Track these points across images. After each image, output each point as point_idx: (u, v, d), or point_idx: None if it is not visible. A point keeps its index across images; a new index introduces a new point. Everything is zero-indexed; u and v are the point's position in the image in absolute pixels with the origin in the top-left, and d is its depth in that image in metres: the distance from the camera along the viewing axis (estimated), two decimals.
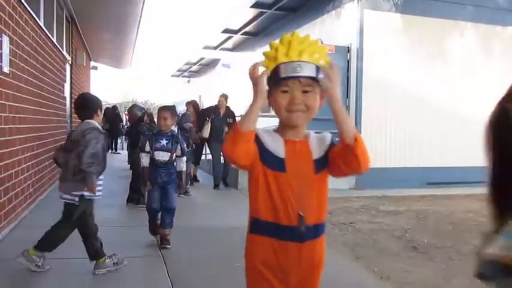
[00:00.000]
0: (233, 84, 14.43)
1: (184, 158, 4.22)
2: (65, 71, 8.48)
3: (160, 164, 4.05)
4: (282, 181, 1.47)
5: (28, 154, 5.24)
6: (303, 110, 1.46)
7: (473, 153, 9.64)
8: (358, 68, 8.24)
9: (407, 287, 3.38)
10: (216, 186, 7.69)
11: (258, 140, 1.47)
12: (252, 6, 10.31)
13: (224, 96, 8.04)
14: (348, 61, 8.41)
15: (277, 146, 1.49)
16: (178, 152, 4.14)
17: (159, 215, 4.18)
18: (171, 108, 4.25)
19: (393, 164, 8.16)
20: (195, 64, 19.98)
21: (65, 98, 8.36)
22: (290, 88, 1.44)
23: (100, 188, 3.28)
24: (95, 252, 3.31)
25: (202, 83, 21.10)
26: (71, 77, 9.29)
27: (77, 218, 3.27)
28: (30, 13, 5.34)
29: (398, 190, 7.59)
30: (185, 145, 4.29)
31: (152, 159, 4.08)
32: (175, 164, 4.18)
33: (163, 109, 4.19)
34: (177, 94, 25.78)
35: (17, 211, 4.78)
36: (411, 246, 4.45)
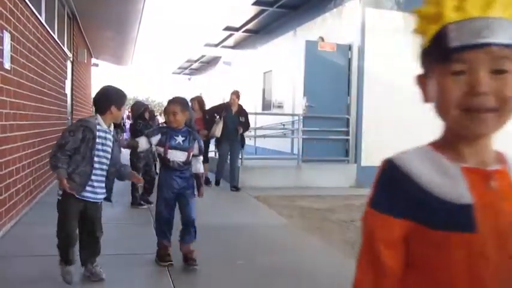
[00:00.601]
0: (234, 82, 14.42)
1: (201, 158, 3.59)
2: (66, 68, 8.48)
3: (175, 166, 3.40)
4: (467, 251, 0.76)
5: (29, 151, 5.25)
6: (493, 107, 0.76)
7: None
8: (360, 67, 8.23)
9: None
10: (217, 182, 7.66)
11: (406, 180, 0.81)
12: (253, 4, 10.29)
13: (236, 94, 7.54)
14: (349, 59, 8.40)
15: (451, 182, 0.79)
16: (196, 151, 3.46)
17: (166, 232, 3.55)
18: (180, 101, 3.52)
19: None
20: (196, 61, 19.97)
21: (65, 95, 8.36)
22: (470, 66, 0.76)
23: (86, 188, 2.95)
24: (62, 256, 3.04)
25: (203, 80, 21.09)
26: (72, 74, 9.29)
27: (59, 216, 3.03)
28: (32, 9, 5.33)
29: None
30: (202, 143, 3.65)
31: (165, 161, 3.43)
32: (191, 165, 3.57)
33: (171, 102, 3.49)
34: (178, 92, 25.79)
35: (18, 208, 4.79)
36: None
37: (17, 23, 4.64)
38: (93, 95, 16.90)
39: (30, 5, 5.21)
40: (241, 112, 7.46)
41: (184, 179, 3.45)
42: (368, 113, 8.21)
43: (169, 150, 3.38)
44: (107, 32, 11.10)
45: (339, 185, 7.84)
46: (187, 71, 23.13)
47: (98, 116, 3.00)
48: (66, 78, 8.35)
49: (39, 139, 5.79)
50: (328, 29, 9.11)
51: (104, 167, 3.02)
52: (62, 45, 7.84)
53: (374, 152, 8.12)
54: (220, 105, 7.95)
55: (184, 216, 3.47)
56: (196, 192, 3.54)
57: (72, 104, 9.31)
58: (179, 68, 22.48)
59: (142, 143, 3.44)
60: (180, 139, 3.39)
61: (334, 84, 8.33)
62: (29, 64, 5.20)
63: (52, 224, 3.05)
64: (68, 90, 8.65)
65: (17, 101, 4.65)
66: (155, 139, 3.41)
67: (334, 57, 8.37)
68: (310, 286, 3.28)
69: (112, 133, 3.07)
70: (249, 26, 12.21)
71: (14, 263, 3.47)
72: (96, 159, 2.94)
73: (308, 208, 6.13)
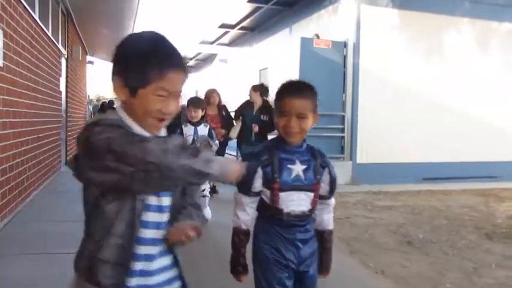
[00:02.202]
0: (230, 79, 14.42)
1: (333, 202, 1.87)
2: (61, 65, 8.43)
3: (292, 221, 1.72)
4: None
5: (22, 148, 5.21)
6: None
7: (470, 149, 9.72)
8: (355, 64, 8.23)
9: (402, 282, 3.39)
10: None
11: None
12: (248, 1, 10.27)
13: (254, 88, 6.45)
14: (345, 56, 8.40)
15: None
16: (326, 186, 1.79)
17: None
18: (311, 92, 1.80)
19: (389, 160, 8.17)
20: (191, 59, 19.94)
21: (60, 93, 8.32)
22: None
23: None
24: None
25: (199, 78, 21.06)
26: (66, 71, 9.24)
27: None
28: (25, 6, 5.29)
29: (394, 185, 7.61)
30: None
31: (272, 212, 1.72)
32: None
33: (296, 92, 1.74)
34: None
35: (11, 206, 4.76)
36: (406, 241, 4.46)
37: (9, 20, 4.60)
38: (88, 92, 16.78)
39: (23, 1, 5.17)
40: (264, 110, 6.28)
41: (308, 241, 1.78)
42: (363, 110, 8.22)
43: (282, 194, 1.69)
44: (102, 29, 11.05)
45: None
46: None
47: (120, 109, 1.24)
48: (60, 76, 8.30)
49: (33, 136, 5.75)
50: (323, 26, 9.10)
51: (167, 212, 1.27)
52: (56, 43, 7.79)
53: (369, 149, 8.14)
54: (243, 104, 6.71)
55: None
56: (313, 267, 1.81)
57: (66, 102, 9.27)
58: None
59: (250, 209, 1.76)
60: (299, 167, 1.71)
61: (329, 81, 8.33)
62: (22, 61, 5.16)
63: (46, 222, 3.03)
64: (62, 88, 8.60)
65: (10, 98, 4.62)
66: (258, 180, 1.70)
67: (329, 54, 8.36)
68: None
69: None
70: (244, 24, 12.19)
71: (7, 262, 3.45)
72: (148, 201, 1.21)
73: None
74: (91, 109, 19.15)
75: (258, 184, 1.70)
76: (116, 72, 1.19)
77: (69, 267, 3.39)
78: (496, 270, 3.69)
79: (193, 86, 21.00)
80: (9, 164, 4.66)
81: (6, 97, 4.50)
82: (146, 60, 1.15)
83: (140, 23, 11.21)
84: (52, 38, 7.33)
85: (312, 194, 1.73)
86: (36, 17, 6.02)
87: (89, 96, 17.60)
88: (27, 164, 5.49)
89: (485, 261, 3.89)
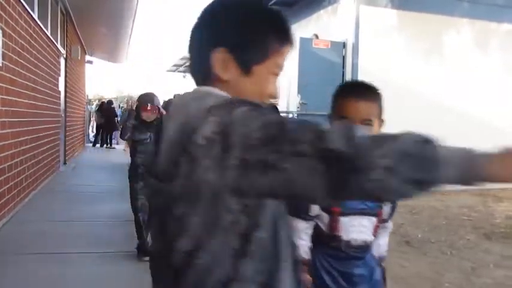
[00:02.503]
0: None
1: (391, 225, 1.68)
2: (59, 65, 8.42)
3: (352, 252, 1.44)
4: None
5: (21, 148, 5.21)
6: None
7: None
8: (354, 64, 8.23)
9: (401, 282, 3.39)
10: None
11: None
12: None
13: None
14: (344, 57, 8.40)
15: None
16: (387, 209, 1.53)
17: None
18: (374, 92, 1.50)
19: None
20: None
21: (59, 92, 8.30)
22: None
23: None
24: None
25: None
26: (65, 71, 9.23)
27: None
28: (24, 5, 5.28)
29: None
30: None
31: (328, 241, 1.44)
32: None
33: (357, 92, 1.48)
34: (173, 89, 25.72)
35: (10, 206, 4.75)
36: (405, 241, 4.46)
37: (8, 19, 4.59)
38: (87, 92, 16.71)
39: (22, 1, 5.16)
40: None
41: (366, 277, 1.49)
42: None
43: (343, 219, 1.41)
44: (101, 29, 11.04)
45: None
46: (182, 69, 23.06)
47: (215, 90, 0.94)
48: (59, 76, 8.29)
49: (32, 136, 5.75)
50: (322, 26, 9.11)
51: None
52: (55, 42, 7.78)
53: None
54: None
55: None
56: None
57: (65, 102, 9.26)
58: (174, 65, 22.42)
59: (306, 238, 1.43)
60: None
61: (328, 81, 8.32)
62: (21, 61, 5.15)
63: (44, 222, 3.03)
64: (61, 88, 8.59)
65: (9, 98, 4.61)
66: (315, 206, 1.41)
67: (328, 55, 8.37)
68: None
69: None
70: None
71: (6, 262, 3.45)
72: None
73: None
74: (90, 109, 19.13)
75: (316, 206, 1.39)
76: (217, 43, 0.89)
77: (68, 267, 3.39)
78: (495, 270, 3.70)
79: (192, 86, 20.97)
80: (8, 163, 4.66)
81: (5, 96, 4.49)
82: (268, 30, 0.92)
83: (140, 22, 11.19)
84: (51, 38, 7.32)
85: (375, 220, 1.45)
86: (35, 17, 6.01)
87: (87, 96, 17.57)
88: (26, 163, 5.48)
89: (483, 261, 3.90)
